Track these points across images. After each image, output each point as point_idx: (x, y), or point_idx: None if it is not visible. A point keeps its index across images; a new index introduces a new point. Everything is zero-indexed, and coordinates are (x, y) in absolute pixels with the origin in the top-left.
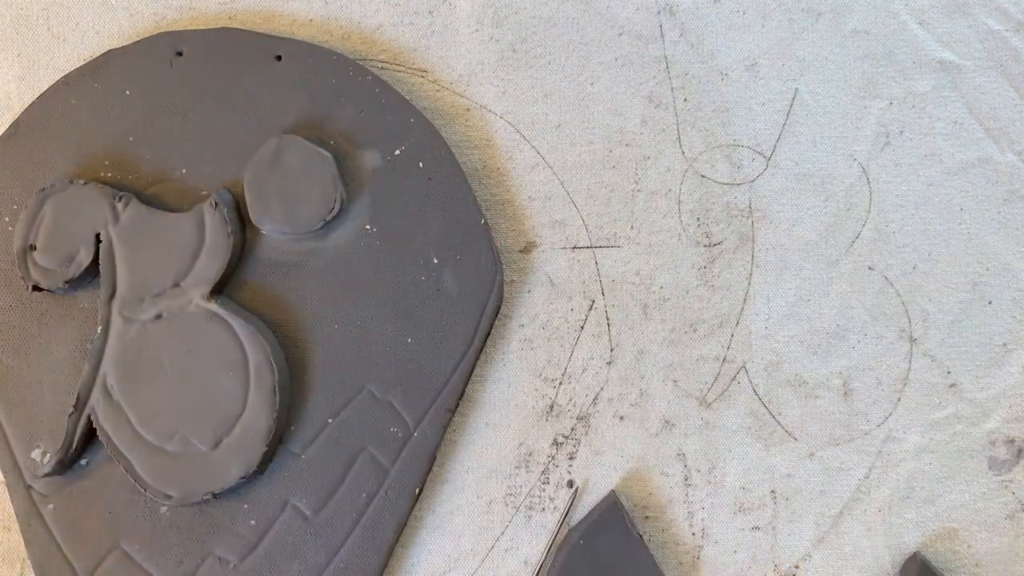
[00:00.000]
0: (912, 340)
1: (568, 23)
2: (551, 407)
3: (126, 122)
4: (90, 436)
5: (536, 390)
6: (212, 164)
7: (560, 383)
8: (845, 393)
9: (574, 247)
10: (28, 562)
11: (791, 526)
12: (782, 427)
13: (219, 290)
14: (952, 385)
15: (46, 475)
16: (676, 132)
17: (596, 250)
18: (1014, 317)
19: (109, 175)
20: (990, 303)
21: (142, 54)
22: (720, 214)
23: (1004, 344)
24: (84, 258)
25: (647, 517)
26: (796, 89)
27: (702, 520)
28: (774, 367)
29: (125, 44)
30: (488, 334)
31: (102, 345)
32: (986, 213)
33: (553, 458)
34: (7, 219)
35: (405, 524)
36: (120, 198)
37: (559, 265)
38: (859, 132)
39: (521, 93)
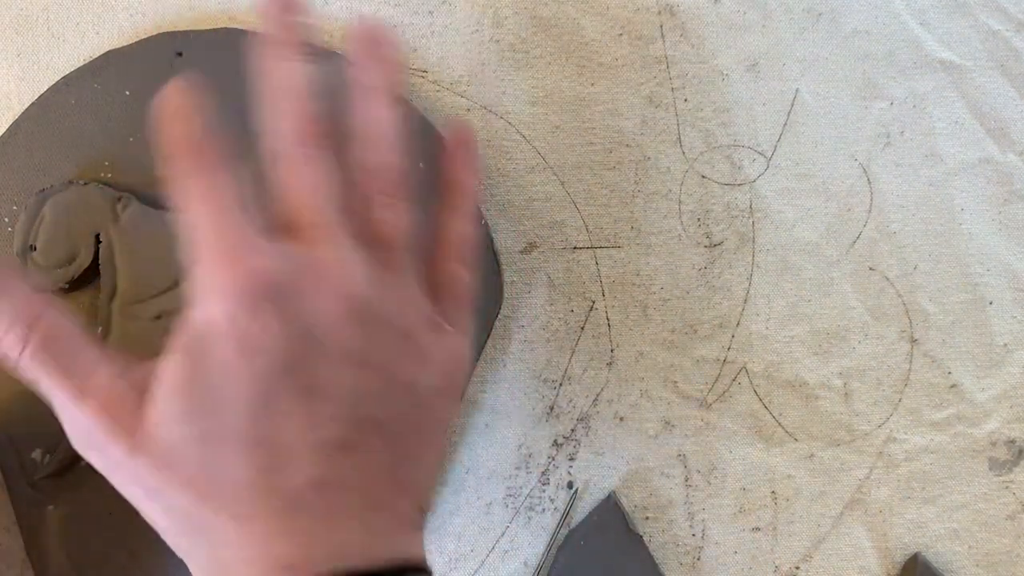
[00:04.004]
0: (913, 340)
1: (568, 23)
2: (551, 408)
3: (126, 122)
4: None
5: (536, 391)
6: None
7: (560, 384)
8: (846, 394)
9: (574, 248)
10: (28, 562)
11: (791, 527)
12: (783, 428)
13: None
14: (953, 386)
15: (46, 475)
16: (676, 132)
17: (596, 251)
18: (1014, 317)
19: (109, 175)
20: (991, 303)
21: (142, 54)
22: (720, 215)
23: (1004, 344)
24: (84, 258)
25: (647, 518)
26: (796, 89)
27: (702, 521)
28: (774, 368)
29: (125, 44)
30: (488, 335)
31: None
32: (987, 213)
33: (553, 459)
34: (7, 219)
35: None
36: (120, 198)
37: (559, 266)
38: (860, 132)
39: (521, 93)
